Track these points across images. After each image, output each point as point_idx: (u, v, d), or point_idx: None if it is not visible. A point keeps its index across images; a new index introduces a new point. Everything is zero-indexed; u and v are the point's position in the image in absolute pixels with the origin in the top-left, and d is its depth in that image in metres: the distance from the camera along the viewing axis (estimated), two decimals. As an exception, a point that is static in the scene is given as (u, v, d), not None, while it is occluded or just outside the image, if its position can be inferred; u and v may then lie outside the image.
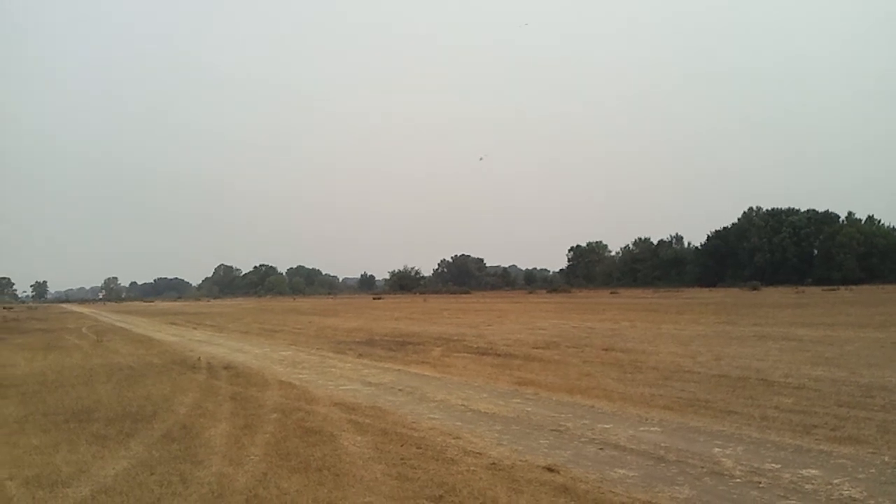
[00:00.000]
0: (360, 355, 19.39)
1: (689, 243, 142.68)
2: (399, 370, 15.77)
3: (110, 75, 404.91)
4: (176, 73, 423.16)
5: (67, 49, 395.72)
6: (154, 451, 8.14)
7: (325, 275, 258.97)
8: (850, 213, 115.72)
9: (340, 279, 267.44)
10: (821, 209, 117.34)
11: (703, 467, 7.07)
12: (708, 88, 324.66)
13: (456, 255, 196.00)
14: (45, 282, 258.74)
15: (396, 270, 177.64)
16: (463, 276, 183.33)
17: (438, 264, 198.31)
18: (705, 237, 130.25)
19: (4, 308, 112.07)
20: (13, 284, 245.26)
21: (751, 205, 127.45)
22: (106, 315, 66.89)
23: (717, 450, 7.80)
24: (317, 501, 6.09)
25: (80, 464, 7.65)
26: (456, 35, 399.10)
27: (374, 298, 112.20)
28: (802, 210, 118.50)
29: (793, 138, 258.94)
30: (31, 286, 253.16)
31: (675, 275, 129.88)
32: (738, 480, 6.60)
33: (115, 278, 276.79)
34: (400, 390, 12.79)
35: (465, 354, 18.62)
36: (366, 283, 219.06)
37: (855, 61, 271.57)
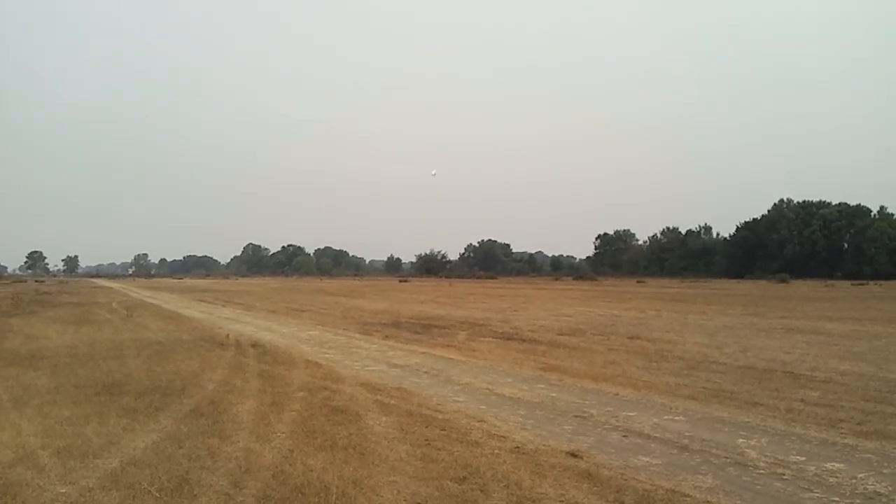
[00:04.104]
0: (386, 337, 19.49)
1: (717, 234, 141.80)
2: (424, 353, 15.84)
3: (146, 51, 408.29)
4: (214, 50, 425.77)
5: (107, 25, 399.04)
6: (182, 426, 8.26)
7: (352, 256, 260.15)
8: (882, 208, 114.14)
9: (367, 261, 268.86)
10: (852, 203, 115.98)
11: (726, 457, 7.08)
12: (742, 82, 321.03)
13: (482, 240, 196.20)
14: (76, 256, 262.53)
15: (423, 254, 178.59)
16: (489, 261, 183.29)
17: (465, 249, 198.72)
18: (734, 228, 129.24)
19: (36, 282, 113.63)
20: (45, 258, 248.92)
21: (781, 196, 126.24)
22: (136, 291, 67.61)
23: (741, 440, 7.80)
24: (342, 479, 6.16)
25: (110, 436, 7.77)
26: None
27: (400, 281, 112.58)
28: (834, 203, 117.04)
29: (825, 133, 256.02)
30: (63, 260, 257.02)
31: (702, 265, 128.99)
32: (762, 471, 6.61)
33: (146, 254, 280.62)
34: (425, 372, 12.86)
35: (491, 339, 18.66)
36: (392, 266, 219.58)
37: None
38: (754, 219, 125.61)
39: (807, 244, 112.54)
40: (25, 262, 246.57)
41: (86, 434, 7.86)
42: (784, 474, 6.52)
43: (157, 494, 5.82)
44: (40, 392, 10.54)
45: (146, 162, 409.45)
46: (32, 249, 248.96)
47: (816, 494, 5.99)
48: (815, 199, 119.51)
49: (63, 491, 5.95)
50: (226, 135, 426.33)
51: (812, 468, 6.72)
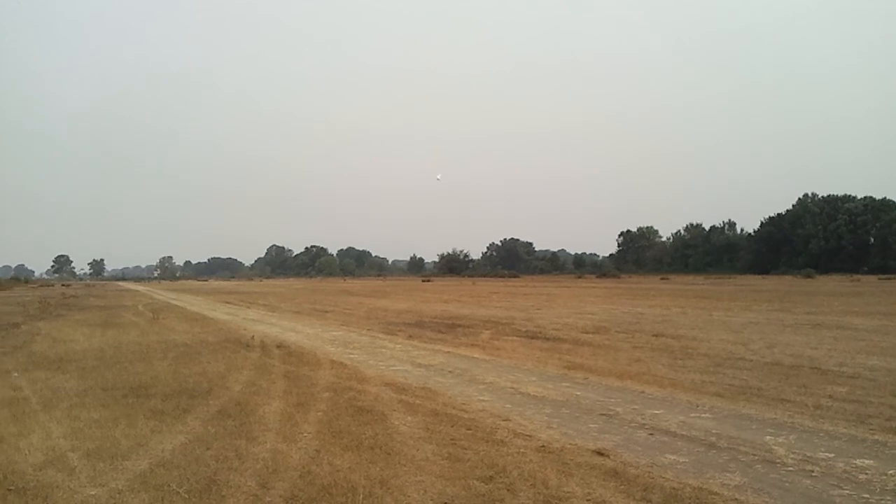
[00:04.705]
0: (410, 337, 19.51)
1: (741, 230, 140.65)
2: (448, 352, 15.84)
3: (168, 57, 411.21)
4: (236, 55, 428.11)
5: (134, 39, 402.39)
6: (210, 427, 8.31)
7: (375, 256, 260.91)
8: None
9: (390, 261, 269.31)
10: (878, 196, 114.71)
11: (754, 455, 7.03)
12: (763, 78, 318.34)
13: (505, 239, 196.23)
14: (102, 260, 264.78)
15: (445, 253, 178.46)
16: (512, 259, 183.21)
17: (487, 248, 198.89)
18: (759, 223, 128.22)
19: (63, 285, 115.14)
20: (72, 262, 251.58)
21: (806, 191, 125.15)
22: (161, 293, 68.08)
23: (768, 438, 7.74)
24: (369, 479, 6.18)
25: (139, 437, 7.84)
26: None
27: (423, 281, 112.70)
28: (859, 197, 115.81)
29: (851, 126, 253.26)
30: (89, 264, 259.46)
31: (727, 261, 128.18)
32: (791, 469, 6.56)
33: (170, 257, 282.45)
34: (450, 372, 12.87)
35: (515, 338, 18.63)
36: (415, 266, 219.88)
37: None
38: (779, 214, 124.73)
39: (832, 239, 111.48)
40: (52, 267, 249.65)
41: (114, 436, 7.92)
42: (813, 471, 6.46)
43: (186, 495, 5.87)
44: (69, 395, 10.64)
45: (169, 167, 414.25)
46: (59, 254, 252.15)
47: (846, 491, 5.93)
48: (840, 193, 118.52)
49: (93, 493, 6.01)
50: (248, 139, 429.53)
51: (841, 465, 6.66)
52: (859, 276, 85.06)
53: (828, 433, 7.95)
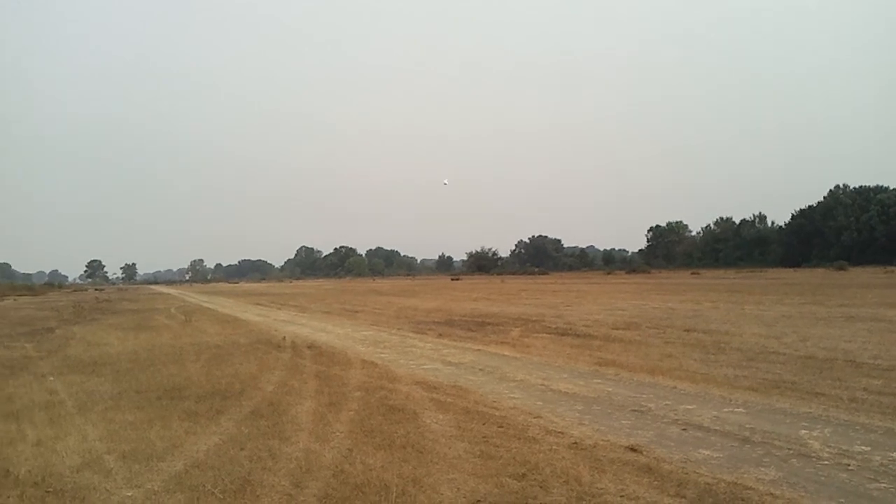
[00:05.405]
0: (440, 335, 19.53)
1: (772, 222, 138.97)
2: (479, 350, 15.84)
3: (201, 65, 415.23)
4: (254, 60, 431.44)
5: (170, 49, 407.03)
6: (243, 428, 8.37)
7: (404, 256, 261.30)
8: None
9: (418, 260, 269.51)
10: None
11: (789, 449, 6.97)
12: (792, 67, 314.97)
13: (533, 236, 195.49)
14: (134, 264, 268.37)
15: (474, 251, 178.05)
16: (540, 256, 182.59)
17: (516, 245, 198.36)
18: (790, 216, 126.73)
19: (96, 290, 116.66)
20: (104, 267, 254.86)
21: (837, 182, 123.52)
22: (193, 296, 68.68)
23: (803, 431, 7.67)
24: (402, 478, 6.20)
25: (173, 439, 7.91)
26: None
27: (451, 279, 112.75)
28: (892, 187, 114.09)
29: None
30: (121, 268, 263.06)
31: (758, 255, 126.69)
32: (826, 462, 6.49)
33: (201, 260, 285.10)
34: (480, 370, 12.86)
35: (545, 335, 18.59)
36: (443, 264, 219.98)
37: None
38: (810, 206, 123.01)
39: (865, 230, 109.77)
40: (85, 271, 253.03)
41: (149, 438, 8.01)
42: (849, 465, 6.39)
43: (221, 496, 5.92)
44: (104, 398, 10.77)
45: (200, 171, 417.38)
46: (91, 259, 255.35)
47: (883, 485, 5.86)
48: (872, 183, 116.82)
49: (129, 494, 6.09)
50: (275, 143, 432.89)
51: (878, 458, 6.58)
52: (893, 268, 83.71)
53: (864, 426, 7.86)
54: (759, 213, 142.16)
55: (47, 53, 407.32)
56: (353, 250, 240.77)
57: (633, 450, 6.99)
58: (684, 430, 7.95)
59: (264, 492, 5.98)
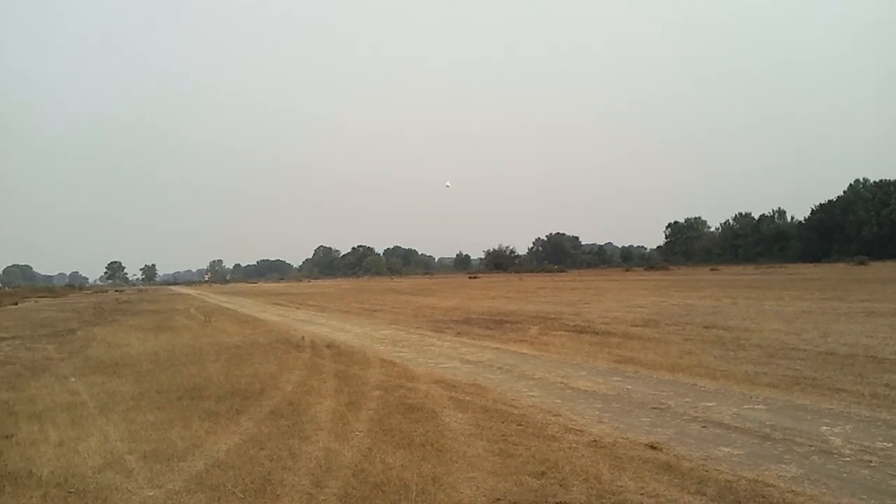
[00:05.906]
0: (458, 334, 19.54)
1: (792, 217, 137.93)
2: (497, 348, 15.83)
3: (208, 63, 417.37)
4: (277, 62, 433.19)
5: (180, 51, 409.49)
6: (263, 427, 8.40)
7: (421, 255, 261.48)
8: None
9: (436, 259, 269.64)
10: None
11: (810, 446, 6.93)
12: (810, 62, 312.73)
13: (551, 234, 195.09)
14: (153, 265, 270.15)
15: (491, 249, 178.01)
16: (558, 254, 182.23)
17: (533, 243, 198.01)
18: (809, 211, 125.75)
19: (117, 291, 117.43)
20: (124, 268, 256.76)
21: (857, 176, 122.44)
22: (212, 296, 69.02)
23: (824, 428, 7.62)
24: (421, 476, 6.21)
25: (194, 439, 7.95)
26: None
27: (469, 277, 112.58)
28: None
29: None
30: (141, 269, 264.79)
31: (777, 250, 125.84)
32: (848, 459, 6.45)
33: (220, 261, 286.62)
34: (499, 368, 12.86)
35: (563, 332, 18.54)
36: (461, 263, 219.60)
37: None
38: (829, 200, 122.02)
39: (885, 225, 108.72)
40: (105, 273, 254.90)
41: (170, 438, 8.06)
42: (871, 461, 6.35)
43: (242, 495, 5.96)
44: (125, 398, 10.83)
45: (220, 174, 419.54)
46: (111, 260, 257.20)
47: (906, 481, 5.82)
48: (893, 177, 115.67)
49: (151, 494, 6.13)
50: (291, 142, 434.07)
51: (901, 455, 6.53)
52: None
53: (885, 422, 7.80)
54: (779, 208, 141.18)
55: (47, 53, 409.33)
56: (370, 249, 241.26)
57: (652, 447, 6.97)
58: (704, 427, 7.91)
59: (284, 491, 6.01)
